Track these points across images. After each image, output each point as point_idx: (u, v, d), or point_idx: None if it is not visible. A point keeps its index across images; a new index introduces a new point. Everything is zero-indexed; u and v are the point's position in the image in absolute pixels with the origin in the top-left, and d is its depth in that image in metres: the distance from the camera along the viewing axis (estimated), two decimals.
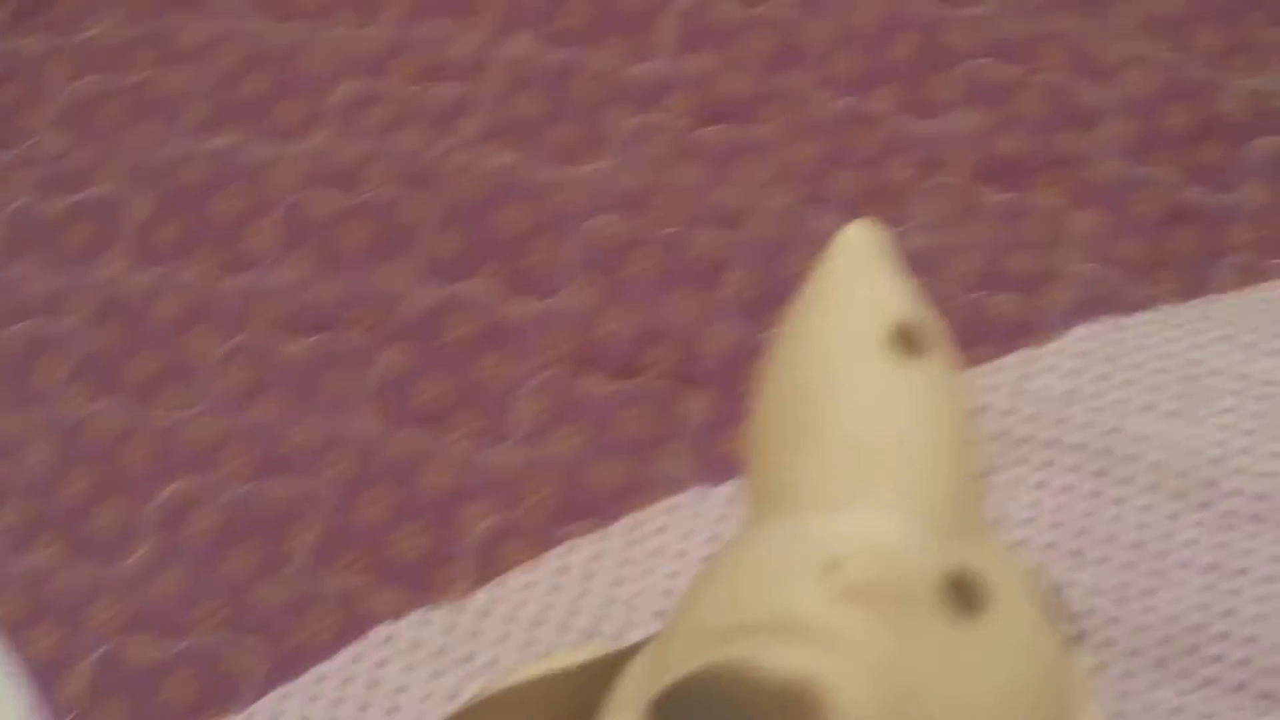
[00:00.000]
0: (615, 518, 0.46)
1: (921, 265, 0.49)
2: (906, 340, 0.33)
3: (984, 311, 0.49)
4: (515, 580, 0.45)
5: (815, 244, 0.48)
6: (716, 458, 0.46)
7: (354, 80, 0.52)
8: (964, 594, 0.32)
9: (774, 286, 0.49)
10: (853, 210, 0.50)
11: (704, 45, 0.52)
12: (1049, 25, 0.53)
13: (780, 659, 0.29)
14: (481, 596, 0.45)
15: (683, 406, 0.47)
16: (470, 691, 0.42)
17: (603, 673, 0.35)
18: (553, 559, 0.45)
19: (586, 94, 0.52)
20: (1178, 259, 0.50)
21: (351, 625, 0.44)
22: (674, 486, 0.46)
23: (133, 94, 0.52)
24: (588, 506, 0.46)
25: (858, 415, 0.33)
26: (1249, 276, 0.49)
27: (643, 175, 0.50)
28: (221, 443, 0.47)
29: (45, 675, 0.44)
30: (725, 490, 0.46)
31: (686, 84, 0.52)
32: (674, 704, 0.29)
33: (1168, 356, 0.48)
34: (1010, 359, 0.48)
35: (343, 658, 0.44)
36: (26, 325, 0.49)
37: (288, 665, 0.44)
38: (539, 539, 0.46)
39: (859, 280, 0.33)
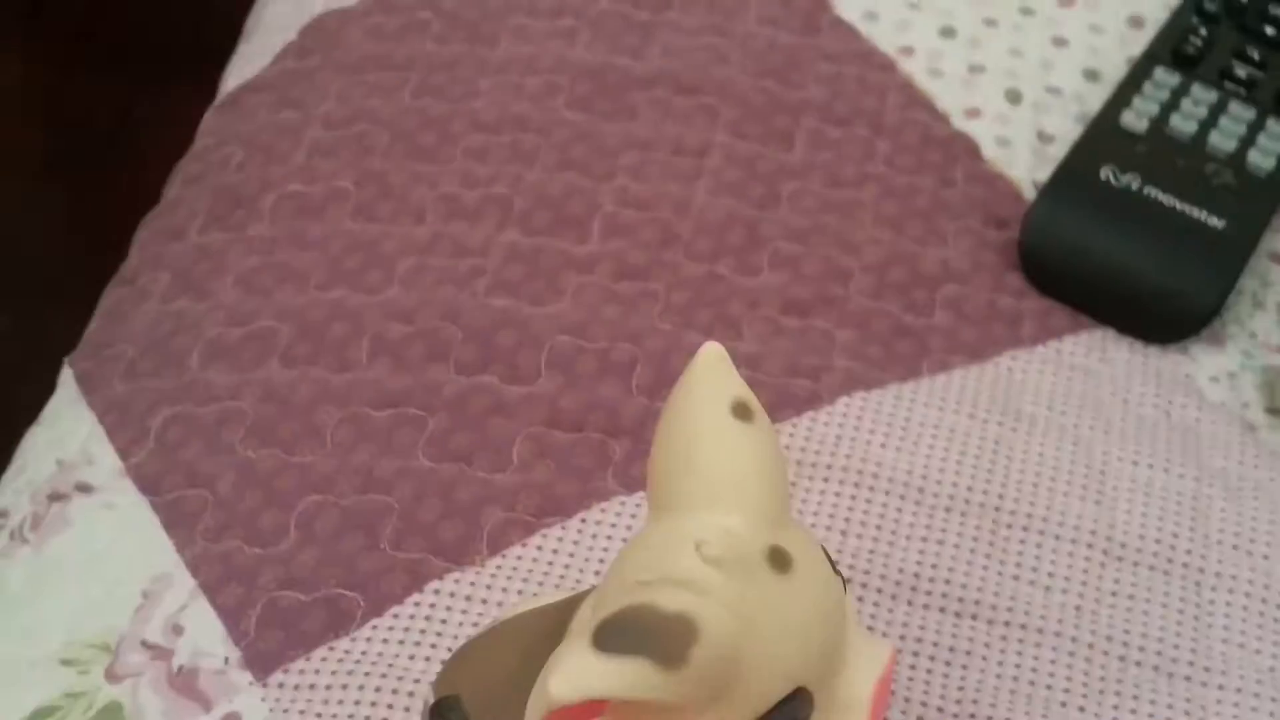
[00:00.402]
0: (572, 515, 0.46)
1: (750, 364, 0.49)
2: (742, 410, 0.33)
3: (787, 390, 0.49)
4: (513, 553, 0.45)
5: (688, 353, 0.48)
6: (630, 479, 0.46)
7: (412, 257, 0.52)
8: (779, 559, 0.32)
9: (664, 379, 0.49)
10: (708, 333, 0.50)
11: (618, 235, 0.53)
12: (820, 221, 0.54)
13: (671, 601, 0.29)
14: (494, 563, 0.45)
15: (609, 449, 0.47)
16: (486, 622, 0.42)
17: (569, 608, 0.35)
18: (536, 540, 0.45)
19: (550, 264, 0.52)
20: (901, 359, 0.50)
21: (414, 582, 0.44)
22: (605, 496, 0.46)
23: (278, 267, 0.52)
24: (556, 509, 0.46)
25: (713, 456, 0.33)
26: (941, 368, 0.50)
27: (584, 312, 0.50)
28: (335, 474, 0.47)
29: (230, 617, 0.44)
30: (636, 498, 0.46)
31: (609, 257, 0.52)
32: (608, 629, 0.29)
33: (894, 413, 0.48)
34: (802, 419, 0.48)
35: (408, 602, 0.44)
36: (216, 406, 0.48)
37: (377, 608, 0.44)
38: (528, 529, 0.45)
39: (712, 375, 0.33)
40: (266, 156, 0.56)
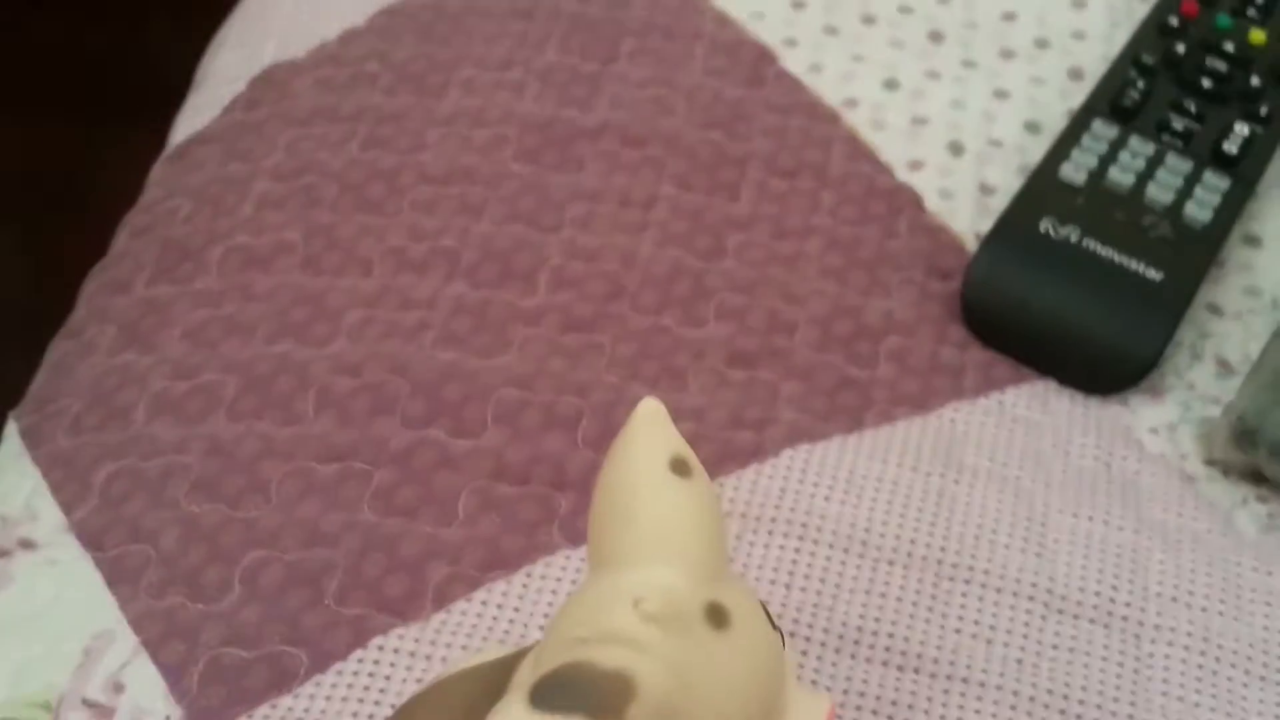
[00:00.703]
0: (517, 569, 0.46)
1: (694, 417, 0.49)
2: (680, 466, 0.33)
3: (730, 444, 0.49)
4: (457, 609, 0.45)
5: (633, 406, 0.48)
6: (575, 533, 0.46)
7: (359, 310, 0.52)
8: (717, 616, 0.32)
9: (610, 432, 0.49)
10: (654, 385, 0.50)
11: (565, 287, 0.53)
12: (765, 273, 0.54)
13: (608, 658, 0.29)
14: (437, 619, 0.44)
15: (555, 502, 0.47)
16: (429, 679, 0.42)
17: (510, 664, 0.35)
18: (481, 594, 0.45)
19: (497, 317, 0.52)
20: (845, 410, 0.50)
21: (358, 639, 0.44)
22: (550, 550, 0.46)
23: (225, 320, 0.52)
24: (501, 562, 0.46)
25: (652, 511, 0.33)
26: (884, 420, 0.50)
27: (531, 365, 0.50)
28: (280, 530, 0.47)
29: (172, 674, 0.43)
30: (581, 552, 0.46)
31: (555, 310, 0.52)
32: (545, 686, 0.29)
33: (839, 465, 0.48)
34: (746, 471, 0.48)
35: (352, 659, 0.44)
36: (161, 461, 0.48)
37: (320, 664, 0.43)
38: (472, 583, 0.45)
39: (650, 431, 0.33)
40: (214, 209, 0.56)
